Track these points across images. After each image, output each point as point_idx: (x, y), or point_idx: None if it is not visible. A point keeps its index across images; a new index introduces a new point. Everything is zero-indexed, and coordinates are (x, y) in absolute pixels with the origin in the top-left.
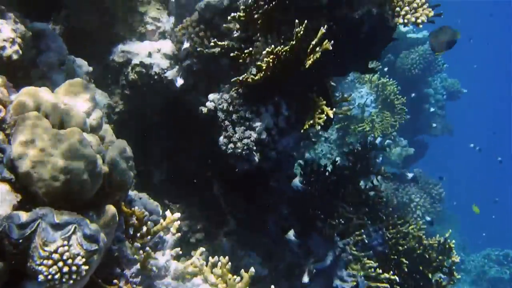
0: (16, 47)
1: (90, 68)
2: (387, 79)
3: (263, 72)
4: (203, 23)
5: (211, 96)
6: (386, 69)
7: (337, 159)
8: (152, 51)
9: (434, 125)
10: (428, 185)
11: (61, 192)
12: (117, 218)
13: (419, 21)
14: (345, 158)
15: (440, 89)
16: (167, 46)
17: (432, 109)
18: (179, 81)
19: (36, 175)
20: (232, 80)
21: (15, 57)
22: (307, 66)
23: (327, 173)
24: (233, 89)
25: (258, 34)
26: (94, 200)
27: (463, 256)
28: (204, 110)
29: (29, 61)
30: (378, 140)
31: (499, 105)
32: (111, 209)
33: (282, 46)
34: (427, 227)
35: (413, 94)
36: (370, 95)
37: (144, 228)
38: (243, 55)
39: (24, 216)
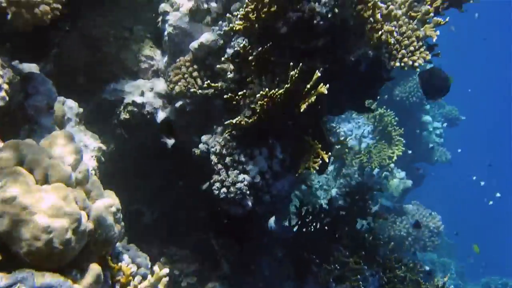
0: (3, 93)
1: (81, 110)
2: (384, 110)
3: (257, 115)
4: (197, 63)
5: (204, 138)
6: (386, 96)
7: (333, 191)
8: (145, 90)
9: (434, 154)
10: (425, 218)
11: (43, 252)
12: (102, 277)
13: (416, 64)
14: (342, 198)
15: (438, 116)
16: (160, 84)
17: (430, 137)
18: (172, 121)
19: (17, 234)
20: (226, 122)
21: (1, 103)
22: (301, 110)
23: (322, 215)
24: (226, 131)
25: (253, 76)
26: (78, 258)
27: (462, 285)
28: (197, 152)
29: (17, 105)
30: (376, 171)
31: (498, 130)
32: (95, 268)
33: (276, 89)
34: (425, 278)
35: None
36: (367, 126)
37: (132, 285)
38: (237, 97)
39: (3, 279)
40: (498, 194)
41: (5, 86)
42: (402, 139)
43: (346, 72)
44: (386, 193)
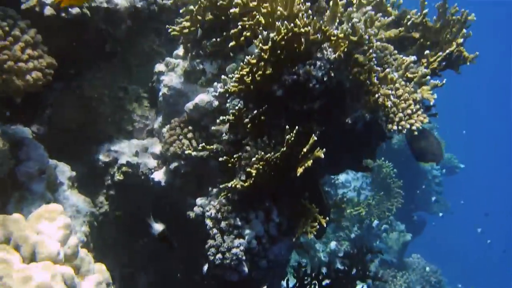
0: None
1: (73, 173)
2: (383, 161)
3: (252, 179)
4: (192, 124)
5: (198, 201)
6: (384, 145)
7: (332, 244)
8: (139, 150)
9: (433, 201)
10: (426, 272)
11: None
12: None
13: (413, 128)
14: (340, 262)
15: (436, 165)
16: (155, 145)
17: (429, 186)
18: (167, 182)
19: None
20: (221, 186)
21: None
22: (298, 175)
23: (321, 276)
24: (221, 195)
25: (248, 138)
26: None
27: None
28: (192, 215)
29: (7, 172)
30: (375, 223)
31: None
32: None
33: (272, 153)
34: None
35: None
36: (366, 178)
37: None
38: (232, 159)
39: None
40: (488, 241)
41: None
42: (401, 191)
43: (343, 132)
44: (385, 247)
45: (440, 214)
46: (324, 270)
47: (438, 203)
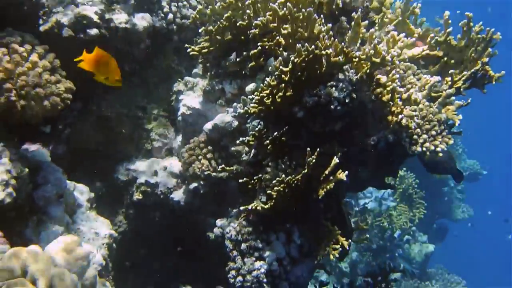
0: (10, 189)
1: (92, 194)
2: (405, 172)
3: (273, 201)
4: (211, 145)
5: (218, 222)
6: None
7: (354, 254)
8: (158, 169)
9: (456, 212)
10: (450, 283)
11: None
12: None
13: (438, 149)
14: (362, 282)
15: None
16: (174, 164)
17: (451, 193)
18: (186, 202)
19: None
20: (241, 208)
21: (8, 200)
22: (319, 197)
23: None
24: (242, 216)
25: (269, 159)
26: None
27: None
28: (212, 236)
29: (25, 197)
30: (397, 234)
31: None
32: None
33: (293, 175)
34: None
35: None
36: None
37: None
38: (252, 181)
39: None
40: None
41: (13, 182)
42: (424, 202)
43: (365, 152)
44: (408, 257)
45: (469, 224)
46: None
47: (461, 210)
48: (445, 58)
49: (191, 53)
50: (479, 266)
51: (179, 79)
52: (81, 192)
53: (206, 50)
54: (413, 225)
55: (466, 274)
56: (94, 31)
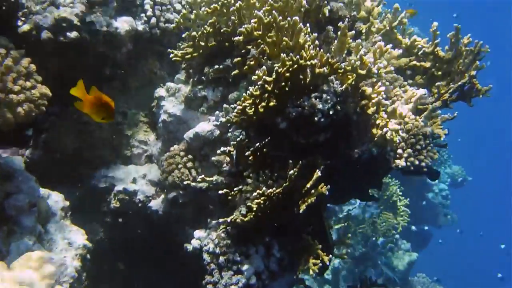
0: None
1: (67, 203)
2: (390, 179)
3: (253, 213)
4: (191, 153)
5: (197, 233)
6: None
7: (336, 261)
8: (137, 177)
9: (441, 218)
10: None
11: None
12: None
13: (423, 164)
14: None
15: (443, 176)
16: (154, 171)
17: (435, 198)
18: (164, 212)
19: None
20: (220, 220)
21: None
22: (300, 211)
23: None
24: (220, 228)
25: (250, 170)
26: None
27: None
28: (189, 248)
29: None
30: (380, 241)
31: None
32: None
33: (274, 188)
34: None
35: None
36: None
37: None
38: (232, 192)
39: None
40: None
41: None
42: (408, 210)
43: (348, 164)
44: (391, 265)
45: (458, 231)
46: None
47: (445, 217)
48: (432, 70)
49: (173, 59)
50: (462, 274)
51: (161, 85)
52: (55, 201)
53: (189, 56)
54: (397, 232)
55: (448, 281)
56: (74, 34)
